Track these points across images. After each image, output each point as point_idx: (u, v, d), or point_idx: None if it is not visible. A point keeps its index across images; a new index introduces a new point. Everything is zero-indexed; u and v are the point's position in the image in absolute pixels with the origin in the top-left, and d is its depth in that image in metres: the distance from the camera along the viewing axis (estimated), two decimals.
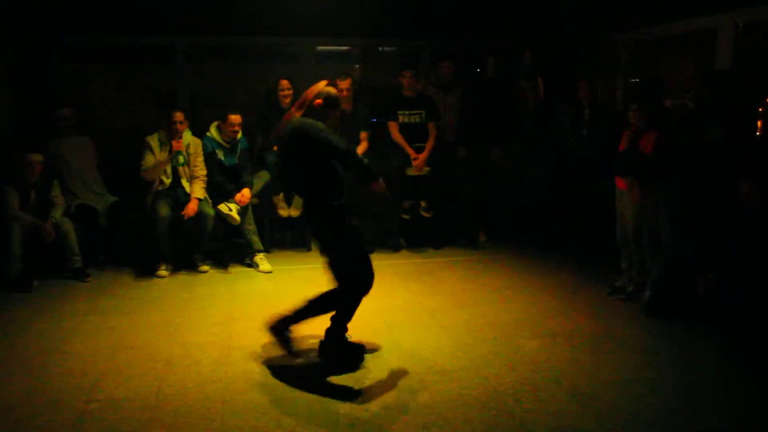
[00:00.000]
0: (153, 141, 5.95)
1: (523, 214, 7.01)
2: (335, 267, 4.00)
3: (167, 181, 6.00)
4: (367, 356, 4.11)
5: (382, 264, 6.18)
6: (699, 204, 4.56)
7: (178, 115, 5.95)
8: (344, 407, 3.47)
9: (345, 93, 6.49)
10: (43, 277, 5.62)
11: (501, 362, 4.01)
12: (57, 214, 5.68)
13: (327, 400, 3.55)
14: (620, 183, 5.22)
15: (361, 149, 6.56)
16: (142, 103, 7.29)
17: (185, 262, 6.03)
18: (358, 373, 3.88)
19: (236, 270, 6.08)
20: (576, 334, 4.47)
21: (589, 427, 3.28)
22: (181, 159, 5.98)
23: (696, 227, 4.59)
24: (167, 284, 5.67)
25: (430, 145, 6.66)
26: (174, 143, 5.86)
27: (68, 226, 5.70)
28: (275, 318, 4.01)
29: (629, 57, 7.01)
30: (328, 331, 4.11)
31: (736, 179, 4.46)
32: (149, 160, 5.91)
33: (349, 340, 4.20)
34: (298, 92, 6.61)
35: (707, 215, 4.55)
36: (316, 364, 4.02)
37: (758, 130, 5.27)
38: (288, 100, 6.57)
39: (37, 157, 5.61)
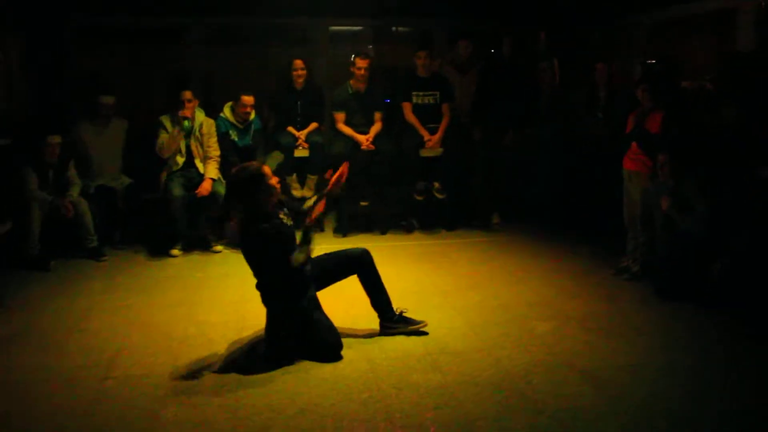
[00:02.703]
0: (166, 120, 6.00)
1: (536, 197, 6.98)
2: None
3: (181, 161, 6.02)
4: (379, 337, 4.13)
5: (394, 245, 6.23)
6: (716, 187, 4.53)
7: (187, 94, 5.98)
8: (356, 386, 3.49)
9: (362, 72, 6.47)
10: (60, 256, 5.68)
11: (513, 344, 4.02)
12: (74, 192, 5.73)
13: (339, 380, 3.57)
14: (628, 164, 5.20)
15: (374, 130, 6.54)
16: (156, 85, 7.30)
17: (199, 242, 6.07)
18: (371, 353, 3.90)
19: None
20: (589, 317, 4.46)
21: (601, 409, 3.28)
22: (186, 123, 5.96)
23: (712, 210, 4.56)
24: (181, 264, 5.72)
25: (443, 126, 6.63)
26: (180, 113, 5.89)
27: (84, 206, 5.75)
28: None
29: (646, 38, 6.91)
30: None
31: (755, 163, 4.42)
32: (163, 136, 5.93)
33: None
34: (311, 72, 6.63)
35: (724, 199, 4.52)
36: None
37: None
38: (301, 80, 6.57)
39: (56, 139, 5.67)
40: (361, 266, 4.12)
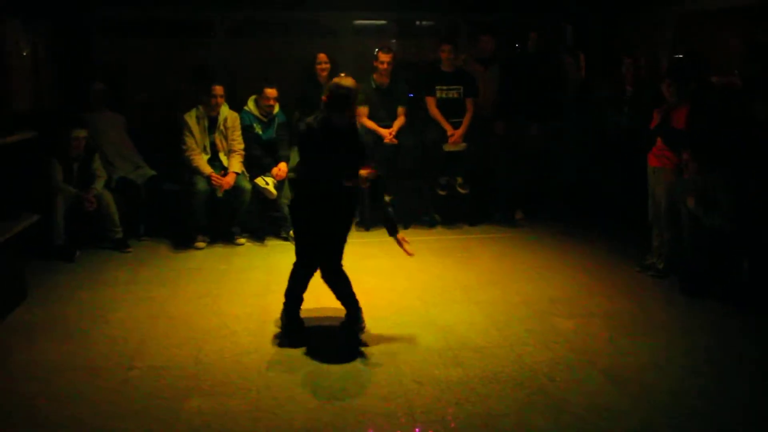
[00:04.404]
0: (190, 119, 5.98)
1: (560, 192, 6.92)
2: None
3: (205, 156, 6.05)
4: (400, 331, 4.12)
5: (416, 240, 6.16)
6: (744, 183, 4.46)
7: (218, 89, 5.99)
8: (377, 380, 3.50)
9: (385, 66, 6.46)
10: (85, 247, 5.74)
11: (536, 340, 3.99)
12: (98, 186, 5.79)
13: (360, 373, 3.58)
14: (652, 160, 5.14)
15: (397, 124, 6.53)
16: (181, 78, 7.34)
17: (222, 235, 6.10)
18: (391, 348, 3.90)
19: (272, 243, 6.14)
20: (612, 314, 4.42)
21: (623, 408, 3.25)
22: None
23: (739, 207, 4.49)
24: (205, 256, 5.76)
25: (467, 120, 6.59)
26: (218, 182, 5.90)
27: (109, 198, 5.81)
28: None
29: (674, 32, 6.80)
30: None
31: None
32: (190, 142, 5.95)
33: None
34: (335, 66, 6.62)
35: (752, 195, 4.44)
36: (351, 337, 4.05)
37: None
38: (325, 74, 6.55)
39: (81, 133, 5.73)
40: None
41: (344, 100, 3.73)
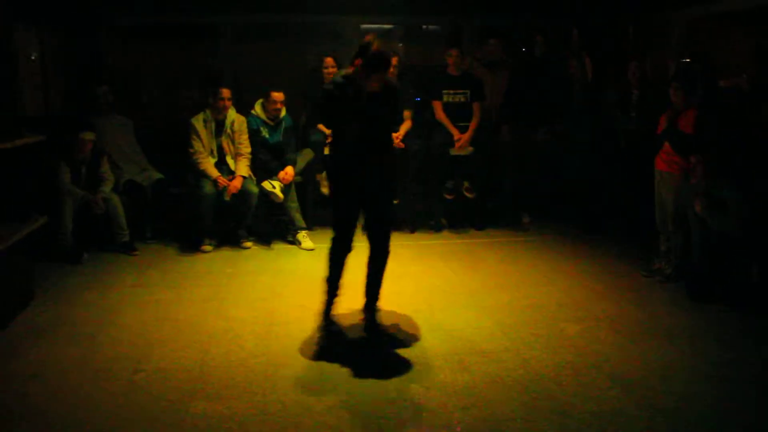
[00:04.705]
0: (198, 122, 6.00)
1: (567, 196, 6.91)
2: None
3: (212, 160, 6.06)
4: (407, 336, 4.12)
5: (423, 244, 6.21)
6: (753, 187, 4.44)
7: (225, 92, 6.01)
8: (383, 385, 3.49)
9: (391, 70, 6.45)
10: (92, 250, 5.76)
11: (542, 345, 3.98)
12: (106, 189, 5.81)
13: (367, 377, 3.57)
14: (660, 165, 5.13)
15: (404, 128, 6.53)
16: (189, 82, 7.37)
17: (229, 238, 6.11)
18: (398, 352, 3.89)
19: (279, 247, 6.15)
20: (619, 319, 4.40)
21: (630, 413, 3.23)
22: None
23: (748, 211, 4.47)
24: (211, 259, 5.77)
25: (473, 125, 6.59)
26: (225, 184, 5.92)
27: (116, 201, 5.83)
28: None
29: (682, 36, 6.79)
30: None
31: None
32: (197, 146, 5.97)
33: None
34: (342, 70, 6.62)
35: (761, 199, 4.43)
36: (358, 341, 4.05)
37: None
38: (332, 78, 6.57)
39: (89, 135, 5.75)
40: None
41: (380, 62, 3.73)
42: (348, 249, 4.08)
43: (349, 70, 3.86)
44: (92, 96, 6.30)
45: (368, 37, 3.77)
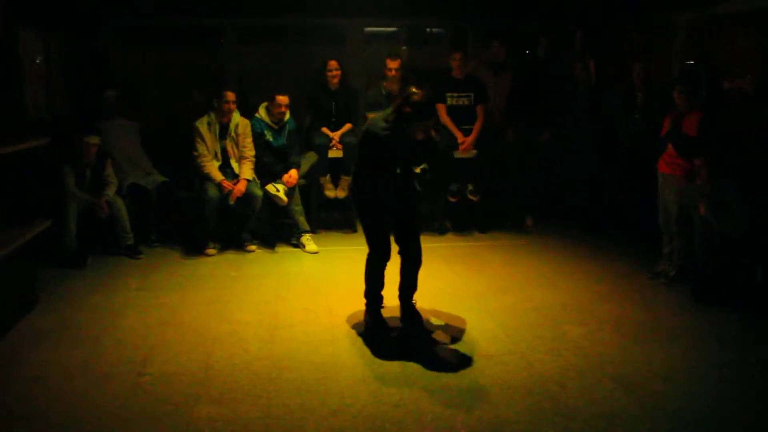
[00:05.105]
0: (202, 126, 6.01)
1: (571, 199, 6.90)
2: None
3: (217, 163, 6.07)
4: (411, 338, 4.13)
5: (427, 247, 6.15)
6: (756, 190, 4.43)
7: (230, 95, 6.02)
8: (387, 388, 3.49)
9: (393, 72, 6.48)
10: (97, 253, 5.77)
11: (546, 348, 3.98)
12: (110, 192, 5.82)
13: (370, 380, 3.57)
14: (663, 167, 5.12)
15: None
16: (193, 85, 7.38)
17: (233, 241, 6.12)
18: (403, 355, 3.89)
19: (283, 250, 6.15)
20: (623, 321, 4.40)
21: (634, 415, 3.23)
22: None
23: (753, 213, 4.45)
24: (215, 262, 5.77)
25: (477, 127, 6.59)
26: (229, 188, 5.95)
27: (120, 204, 5.84)
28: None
29: (686, 38, 6.77)
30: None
31: None
32: (201, 149, 5.98)
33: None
34: (346, 73, 6.64)
35: (765, 202, 4.42)
36: (361, 344, 4.05)
37: None
38: (336, 81, 6.60)
39: (94, 139, 5.76)
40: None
41: (428, 111, 3.98)
42: (387, 257, 4.21)
43: (390, 117, 4.01)
44: (98, 100, 6.31)
45: (413, 89, 3.96)
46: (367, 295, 4.31)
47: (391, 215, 4.19)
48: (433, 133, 4.13)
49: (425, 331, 4.26)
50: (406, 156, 4.12)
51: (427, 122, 3.98)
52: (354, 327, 4.26)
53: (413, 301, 4.34)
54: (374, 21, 7.72)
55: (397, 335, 4.22)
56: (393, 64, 6.48)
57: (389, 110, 4.03)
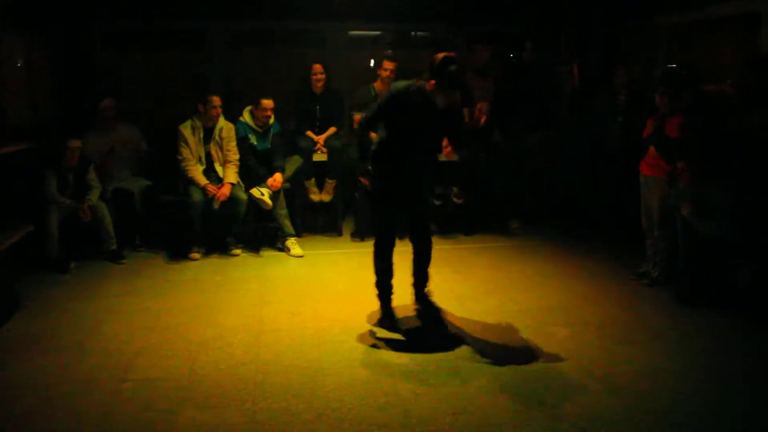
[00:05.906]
0: (186, 130, 5.98)
1: (556, 201, 6.93)
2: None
3: (201, 167, 6.04)
4: (397, 342, 4.12)
5: (411, 250, 6.19)
6: (740, 192, 4.46)
7: (215, 99, 6.00)
8: (373, 392, 3.48)
9: (388, 73, 6.48)
10: (80, 258, 5.72)
11: (532, 350, 3.99)
12: (93, 197, 5.77)
13: (356, 384, 3.56)
14: (645, 169, 5.16)
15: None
16: (179, 89, 7.34)
17: (218, 246, 6.09)
18: (388, 358, 3.89)
19: (268, 254, 6.13)
20: (608, 323, 4.42)
21: (620, 416, 3.24)
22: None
23: (736, 215, 4.49)
24: (200, 267, 5.74)
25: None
26: (214, 192, 5.93)
27: (104, 209, 5.80)
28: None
29: (668, 42, 6.84)
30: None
31: None
32: (186, 153, 5.96)
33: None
34: (330, 77, 6.63)
35: (749, 203, 4.45)
36: (347, 347, 4.04)
37: None
38: (321, 85, 6.59)
39: (76, 143, 5.71)
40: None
41: (456, 80, 3.93)
42: (392, 243, 4.32)
43: (417, 83, 4.01)
44: (91, 108, 6.25)
45: (440, 55, 3.96)
46: (377, 284, 4.42)
47: (402, 206, 4.27)
48: (483, 120, 4.15)
49: (439, 318, 4.42)
50: (429, 130, 4.12)
51: (452, 93, 4.01)
52: (348, 330, 4.25)
53: (426, 291, 4.52)
54: (359, 25, 7.72)
55: (407, 329, 4.31)
56: (389, 66, 6.48)
57: (411, 81, 4.04)
